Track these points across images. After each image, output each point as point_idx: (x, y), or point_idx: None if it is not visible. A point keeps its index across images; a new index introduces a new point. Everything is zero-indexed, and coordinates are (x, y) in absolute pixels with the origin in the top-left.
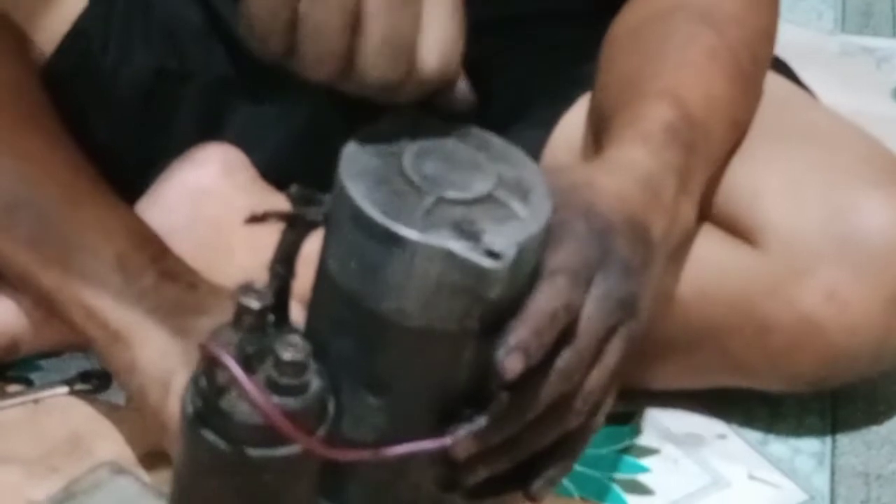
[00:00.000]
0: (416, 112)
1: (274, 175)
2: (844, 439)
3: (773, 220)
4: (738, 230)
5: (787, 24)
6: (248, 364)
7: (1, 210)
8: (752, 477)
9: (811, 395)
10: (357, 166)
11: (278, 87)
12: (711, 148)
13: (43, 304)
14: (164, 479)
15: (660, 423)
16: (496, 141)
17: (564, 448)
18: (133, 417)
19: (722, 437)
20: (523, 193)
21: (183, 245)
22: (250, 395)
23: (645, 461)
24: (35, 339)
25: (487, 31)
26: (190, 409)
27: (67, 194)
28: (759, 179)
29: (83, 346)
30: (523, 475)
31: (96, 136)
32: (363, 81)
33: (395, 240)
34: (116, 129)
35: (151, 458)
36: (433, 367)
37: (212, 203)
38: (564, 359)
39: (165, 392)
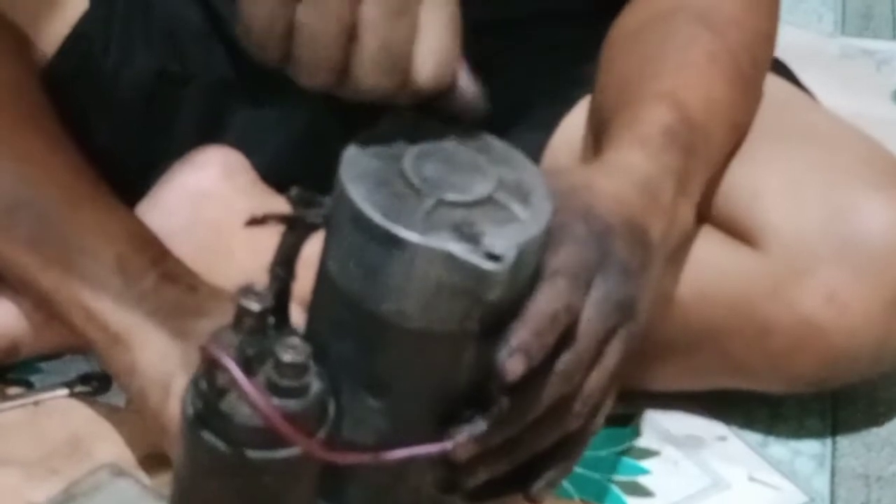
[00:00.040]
0: (417, 114)
1: (274, 177)
2: (845, 441)
3: (773, 222)
4: (738, 231)
5: (787, 27)
6: (249, 366)
7: (1, 211)
8: (752, 479)
9: (811, 397)
10: (357, 168)
11: (279, 90)
12: (710, 151)
13: (43, 306)
14: (164, 481)
15: (660, 424)
16: (496, 143)
17: (564, 450)
18: (133, 419)
19: (722, 438)
20: (524, 196)
21: (183, 247)
22: (250, 397)
23: (645, 463)
24: (35, 342)
25: (487, 32)
26: (190, 411)
27: (68, 196)
28: (759, 181)
29: (83, 348)
30: (523, 477)
31: (97, 138)
32: (358, 89)
33: (395, 242)
34: (117, 131)
35: (151, 460)
36: (433, 368)
37: (212, 206)
38: (564, 360)
39: (166, 394)
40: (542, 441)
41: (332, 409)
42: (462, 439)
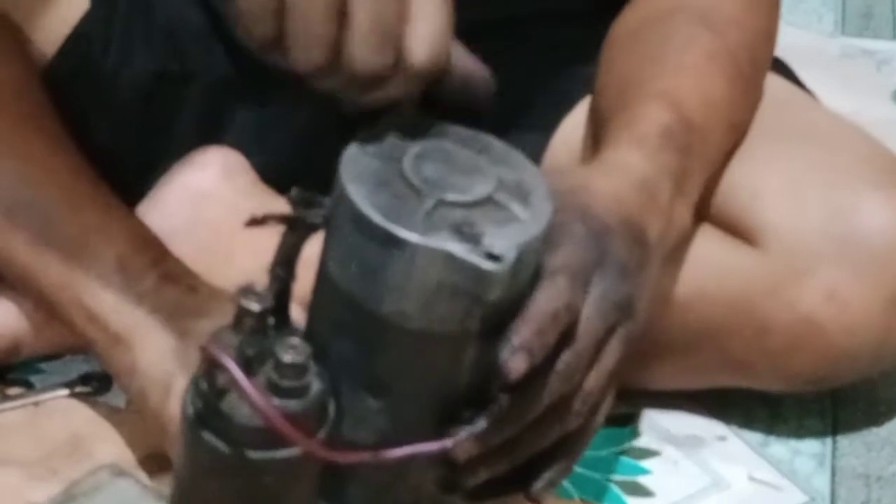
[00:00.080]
0: (417, 114)
1: (274, 178)
2: (845, 441)
3: (773, 221)
4: (738, 230)
5: (787, 27)
6: (249, 366)
7: (2, 212)
8: (752, 478)
9: (811, 397)
10: (357, 169)
11: (279, 90)
12: (708, 150)
13: (43, 307)
14: (164, 481)
15: (660, 424)
16: (496, 143)
17: (564, 449)
18: (133, 420)
19: (722, 438)
20: (523, 196)
21: (183, 248)
22: (250, 398)
23: (645, 463)
24: (36, 342)
25: (487, 32)
26: (190, 411)
27: (68, 196)
28: (759, 180)
29: (84, 348)
30: (523, 476)
31: (97, 139)
32: (352, 71)
33: (395, 242)
34: (117, 131)
35: (152, 461)
36: (433, 368)
37: (212, 206)
38: (564, 360)
39: (166, 394)
40: (542, 440)
41: (332, 409)
42: (462, 438)
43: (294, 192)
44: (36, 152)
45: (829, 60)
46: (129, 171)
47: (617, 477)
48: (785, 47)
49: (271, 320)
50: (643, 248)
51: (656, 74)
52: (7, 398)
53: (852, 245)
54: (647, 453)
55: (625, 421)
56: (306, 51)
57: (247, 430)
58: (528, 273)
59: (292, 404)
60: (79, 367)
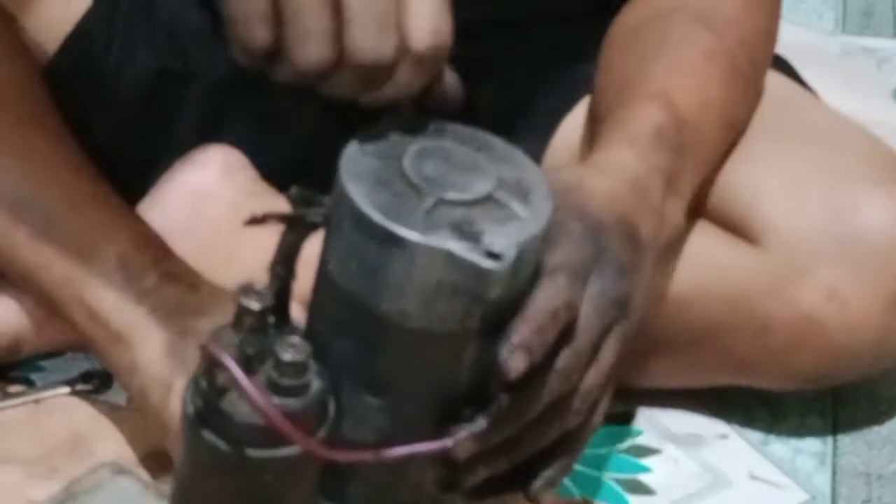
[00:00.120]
0: (416, 113)
1: (274, 176)
2: (846, 439)
3: (774, 220)
4: (738, 229)
5: (787, 25)
6: (249, 365)
7: (3, 210)
8: (753, 477)
9: (812, 395)
10: (357, 167)
11: (280, 89)
12: (703, 150)
13: (44, 304)
14: (165, 479)
15: (660, 423)
16: (497, 142)
17: (564, 447)
18: (134, 418)
19: (723, 436)
20: (524, 194)
21: (184, 246)
22: (250, 396)
23: (646, 461)
24: (37, 339)
25: (488, 32)
26: (190, 410)
27: (69, 195)
28: (759, 179)
29: (84, 346)
30: (523, 475)
31: (98, 136)
32: (355, 62)
33: (395, 241)
34: (118, 129)
35: (152, 459)
36: (433, 367)
37: (212, 205)
38: (564, 358)
39: (167, 392)
40: (542, 439)
41: (332, 407)
42: (462, 437)
43: (294, 190)
44: (37, 150)
45: (830, 59)
46: (131, 169)
47: (618, 475)
48: (785, 45)
49: (271, 319)
50: (636, 247)
51: (653, 74)
52: (8, 396)
53: (853, 244)
54: (648, 451)
55: (626, 419)
56: (306, 49)
57: (247, 429)
58: (528, 271)
59: (292, 403)
60: (80, 364)
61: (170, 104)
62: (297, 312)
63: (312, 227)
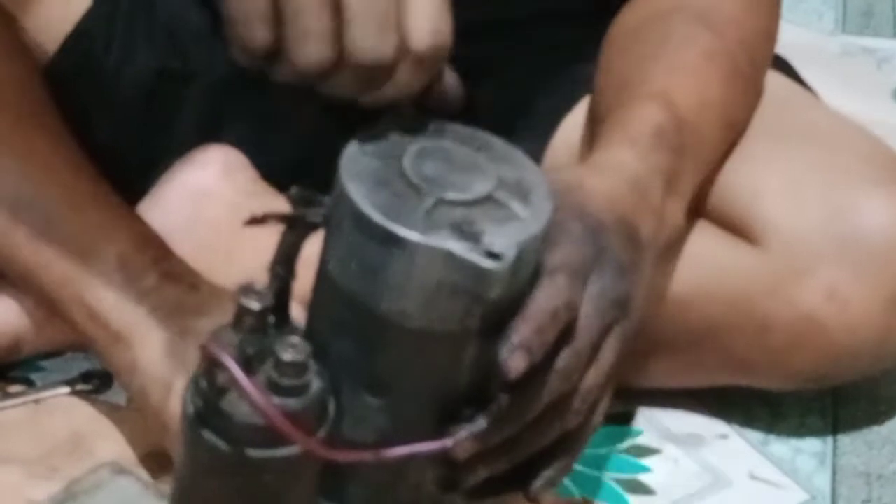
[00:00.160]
0: (416, 113)
1: (274, 177)
2: (846, 439)
3: (774, 219)
4: (738, 229)
5: (787, 25)
6: (249, 365)
7: (3, 209)
8: (753, 477)
9: (812, 395)
10: (357, 168)
11: (280, 89)
12: (703, 150)
13: (44, 304)
14: (165, 479)
15: (661, 423)
16: (497, 142)
17: (564, 447)
18: (134, 418)
19: (723, 437)
20: (524, 194)
21: (183, 246)
22: (250, 396)
23: (646, 461)
24: (37, 339)
25: (488, 32)
26: (190, 410)
27: (69, 194)
28: (759, 179)
29: (84, 346)
30: (523, 475)
31: (98, 136)
32: (355, 62)
33: (395, 241)
34: (118, 129)
35: (152, 459)
36: (433, 367)
37: (212, 205)
38: (564, 358)
39: (167, 392)
40: (542, 439)
41: (332, 407)
42: (462, 437)
43: (294, 190)
44: (37, 150)
45: (830, 59)
46: (131, 169)
47: (618, 475)
48: (785, 45)
49: (271, 319)
50: (636, 247)
51: (653, 74)
52: (8, 396)
53: (853, 244)
54: (648, 451)
55: (626, 419)
56: (306, 49)
57: (247, 429)
58: (528, 271)
59: (292, 403)
60: (80, 364)
61: (170, 104)
62: (297, 312)
63: (312, 227)
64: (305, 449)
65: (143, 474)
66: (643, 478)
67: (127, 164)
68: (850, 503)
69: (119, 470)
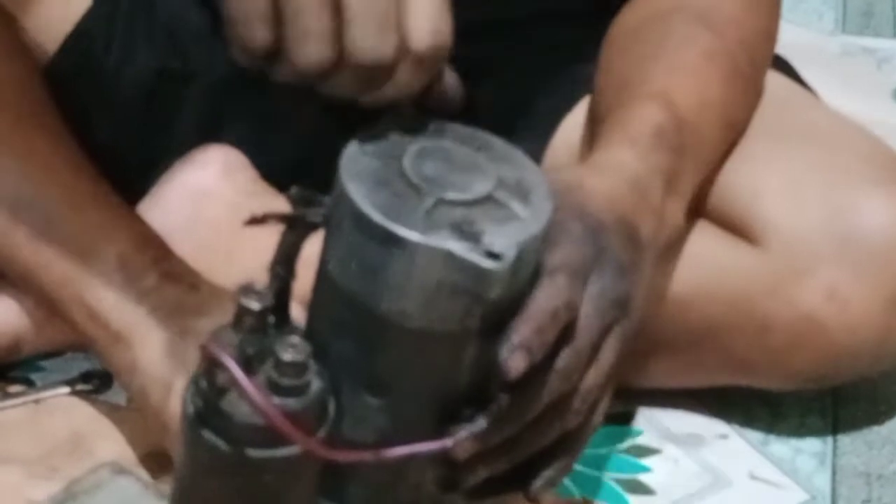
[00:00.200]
0: (416, 113)
1: (274, 177)
2: (846, 439)
3: (774, 219)
4: (738, 229)
5: (787, 25)
6: (249, 365)
7: (3, 209)
8: (753, 477)
9: (812, 395)
10: (357, 168)
11: (280, 89)
12: (703, 150)
13: (44, 304)
14: (165, 479)
15: (661, 423)
16: (497, 142)
17: (564, 448)
18: (134, 418)
19: (723, 437)
20: (524, 194)
21: (183, 246)
22: (250, 396)
23: (646, 461)
24: (37, 339)
25: (488, 33)
26: (190, 410)
27: (69, 194)
28: (759, 179)
29: (84, 346)
30: (523, 475)
31: (98, 136)
32: (355, 63)
33: (395, 241)
34: (118, 129)
35: (152, 459)
36: (433, 367)
37: (212, 205)
38: (564, 358)
39: (167, 392)
40: (542, 439)
41: (332, 407)
42: (462, 437)
43: (294, 190)
44: (37, 150)
45: (830, 59)
46: (131, 169)
47: (618, 475)
48: (785, 45)
49: (271, 319)
50: (637, 247)
51: (653, 74)
52: (8, 396)
53: (853, 244)
54: (648, 451)
55: (626, 419)
56: (307, 49)
57: (247, 429)
58: (528, 271)
59: (292, 403)
60: (80, 364)
61: (170, 104)
62: (297, 312)
63: (312, 227)
64: (305, 449)
65: (143, 474)
66: (643, 478)
67: (127, 164)
68: (850, 503)
69: (119, 470)
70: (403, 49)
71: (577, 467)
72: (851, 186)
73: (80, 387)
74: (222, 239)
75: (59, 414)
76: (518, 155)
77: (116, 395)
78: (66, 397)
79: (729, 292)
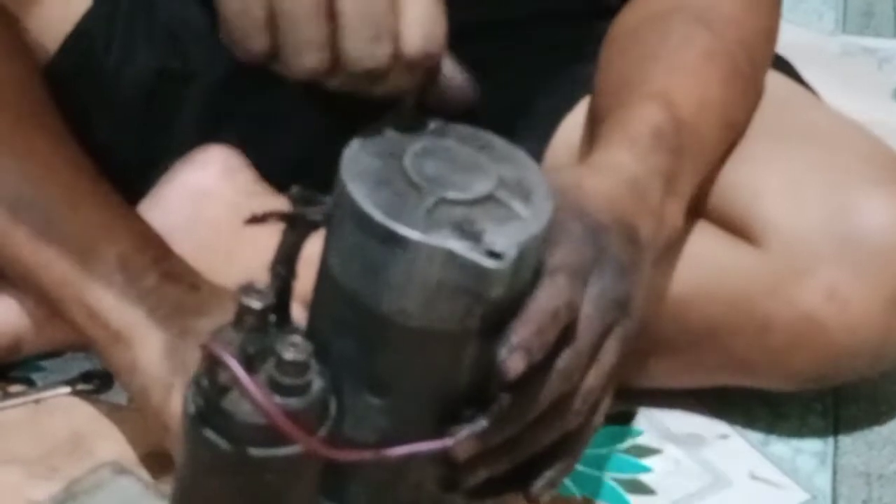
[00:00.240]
0: (417, 112)
1: (275, 176)
2: (846, 439)
3: (774, 219)
4: (738, 229)
5: (787, 25)
6: (250, 364)
7: (3, 209)
8: (753, 477)
9: (813, 395)
10: (358, 167)
11: (280, 89)
12: (702, 151)
13: (44, 304)
14: (165, 479)
15: (661, 423)
16: (498, 141)
17: (564, 448)
18: (135, 418)
19: (723, 437)
20: (524, 194)
21: (184, 246)
22: (252, 395)
23: (646, 461)
24: (37, 339)
25: (488, 33)
26: (192, 409)
27: (70, 194)
28: (759, 179)
29: (85, 346)
30: (523, 476)
31: (98, 136)
32: (350, 68)
33: (396, 240)
34: (118, 129)
35: (153, 459)
36: (434, 367)
37: (212, 204)
38: (564, 358)
39: (167, 392)
40: (543, 439)
41: (333, 406)
42: (463, 437)
43: (294, 190)
44: (37, 150)
45: (830, 59)
46: (131, 169)
47: (618, 475)
48: (785, 45)
49: (272, 318)
50: (636, 247)
51: (653, 74)
52: (8, 396)
53: (853, 244)
54: (649, 451)
55: (626, 419)
56: (302, 56)
57: (248, 428)
58: (528, 271)
59: (293, 402)
60: (80, 364)
61: (170, 104)
62: (299, 312)
63: (313, 227)
64: (306, 448)
65: (144, 474)
66: (643, 478)
67: (127, 164)
68: (851, 503)
69: (119, 470)
70: (397, 55)
71: (578, 467)
72: (851, 186)
73: (80, 387)
74: (222, 239)
75: (59, 414)
76: (519, 155)
77: (117, 395)
78: (66, 397)
79: (729, 292)
